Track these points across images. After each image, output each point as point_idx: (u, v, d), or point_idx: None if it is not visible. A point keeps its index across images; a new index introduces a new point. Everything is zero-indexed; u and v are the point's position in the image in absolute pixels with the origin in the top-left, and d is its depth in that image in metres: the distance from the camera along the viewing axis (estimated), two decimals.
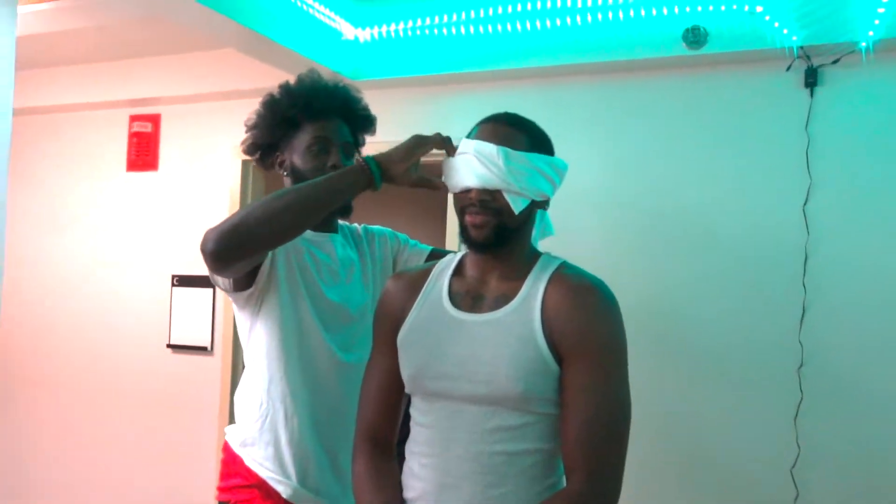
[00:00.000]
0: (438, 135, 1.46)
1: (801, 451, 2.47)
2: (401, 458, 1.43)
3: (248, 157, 2.03)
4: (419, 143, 1.45)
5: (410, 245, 1.88)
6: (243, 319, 1.68)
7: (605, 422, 1.24)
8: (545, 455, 1.30)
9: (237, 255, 1.43)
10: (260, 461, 1.62)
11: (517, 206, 1.30)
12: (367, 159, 1.44)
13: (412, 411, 1.40)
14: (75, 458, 3.66)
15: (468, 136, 1.37)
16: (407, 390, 1.40)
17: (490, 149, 1.29)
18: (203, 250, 1.41)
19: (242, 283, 1.58)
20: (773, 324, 2.55)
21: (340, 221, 1.82)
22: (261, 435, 1.62)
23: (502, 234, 1.31)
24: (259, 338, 1.65)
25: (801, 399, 2.49)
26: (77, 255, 3.73)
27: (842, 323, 2.47)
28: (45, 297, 3.78)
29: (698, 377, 2.64)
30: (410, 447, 1.39)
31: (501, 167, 1.27)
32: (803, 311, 2.50)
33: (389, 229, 1.91)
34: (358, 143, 1.83)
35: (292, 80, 1.78)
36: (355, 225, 1.88)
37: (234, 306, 1.69)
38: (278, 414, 1.62)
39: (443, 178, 1.40)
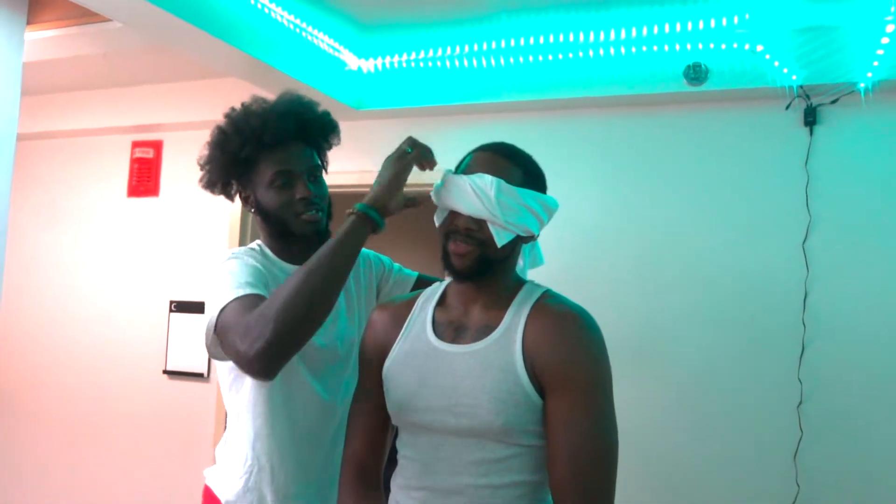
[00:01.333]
0: (410, 140, 1.42)
1: (801, 489, 2.45)
2: (388, 490, 1.41)
3: None
4: (401, 169, 1.39)
5: (395, 270, 1.79)
6: (226, 373, 1.57)
7: (591, 453, 1.21)
8: (531, 487, 1.28)
9: (285, 362, 1.32)
10: None
11: (500, 239, 1.29)
12: (362, 208, 1.35)
13: (398, 444, 1.39)
14: (69, 483, 3.62)
15: (463, 162, 1.37)
16: (393, 422, 1.39)
17: (485, 180, 1.28)
18: (253, 371, 1.30)
19: None
20: (772, 361, 2.54)
21: None
22: (244, 492, 1.53)
23: (484, 265, 1.30)
24: (244, 393, 1.54)
25: (801, 437, 2.47)
26: (76, 279, 3.72)
27: (842, 360, 2.47)
28: (42, 321, 3.76)
29: (697, 413, 2.63)
30: (397, 479, 1.37)
31: (492, 199, 1.27)
32: (803, 348, 2.50)
33: (373, 252, 1.79)
34: (324, 163, 1.69)
35: (238, 105, 1.64)
36: None
37: (222, 364, 1.56)
38: (264, 472, 1.52)
39: (432, 195, 1.38)
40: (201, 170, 1.63)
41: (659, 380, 2.66)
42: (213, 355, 1.45)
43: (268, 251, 1.60)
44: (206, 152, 1.62)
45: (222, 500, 1.55)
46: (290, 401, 1.52)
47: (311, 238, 1.55)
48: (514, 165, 1.32)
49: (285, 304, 1.27)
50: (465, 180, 1.30)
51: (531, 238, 1.37)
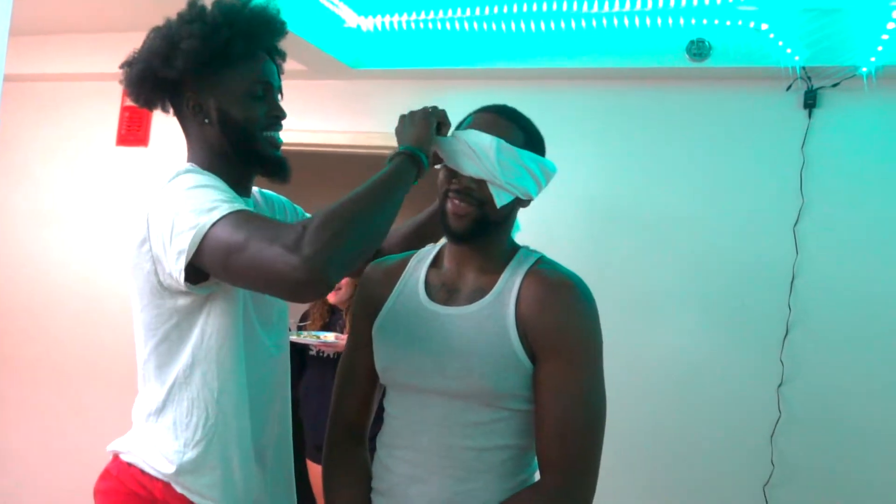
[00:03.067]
0: (435, 108, 1.35)
1: (776, 468, 2.48)
2: (374, 448, 1.42)
3: None
4: (430, 122, 1.31)
5: (300, 213, 1.61)
6: (163, 320, 1.29)
7: (579, 420, 1.22)
8: (517, 451, 1.28)
9: (343, 275, 1.16)
10: (202, 491, 1.29)
11: (500, 199, 1.27)
12: (408, 148, 1.26)
13: (385, 403, 1.39)
14: (60, 459, 3.61)
15: (464, 122, 1.35)
16: (381, 381, 1.39)
17: (484, 139, 1.26)
18: (310, 278, 1.07)
19: (197, 274, 1.20)
20: (755, 340, 2.56)
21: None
22: (205, 457, 1.29)
23: (482, 227, 1.29)
24: (206, 340, 1.29)
25: (780, 418, 2.50)
26: (63, 227, 3.67)
27: (824, 344, 2.49)
28: (25, 269, 3.72)
29: (680, 390, 2.65)
30: (382, 439, 1.38)
31: (492, 159, 1.25)
32: (787, 330, 2.52)
33: (284, 197, 1.60)
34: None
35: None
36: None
37: (157, 304, 1.28)
38: (230, 431, 1.30)
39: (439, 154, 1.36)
40: (143, 59, 1.33)
41: (643, 355, 2.68)
42: (172, 288, 1.22)
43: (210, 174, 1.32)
44: (158, 41, 1.32)
45: (161, 475, 1.30)
46: (249, 353, 1.33)
47: (268, 162, 1.38)
48: (515, 127, 1.31)
49: (342, 214, 1.11)
50: (465, 140, 1.28)
51: (528, 201, 1.36)
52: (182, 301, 1.26)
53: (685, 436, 2.63)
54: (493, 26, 2.78)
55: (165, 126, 3.51)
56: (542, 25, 2.71)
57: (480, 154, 1.26)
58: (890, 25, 2.30)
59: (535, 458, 1.28)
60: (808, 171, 2.53)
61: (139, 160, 3.53)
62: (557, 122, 2.82)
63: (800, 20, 2.45)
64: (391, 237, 1.62)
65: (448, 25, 2.85)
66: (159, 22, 1.37)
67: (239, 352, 1.31)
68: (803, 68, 2.48)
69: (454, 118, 1.37)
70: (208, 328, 1.28)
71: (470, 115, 1.35)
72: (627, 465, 2.61)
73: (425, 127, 1.30)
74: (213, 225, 1.13)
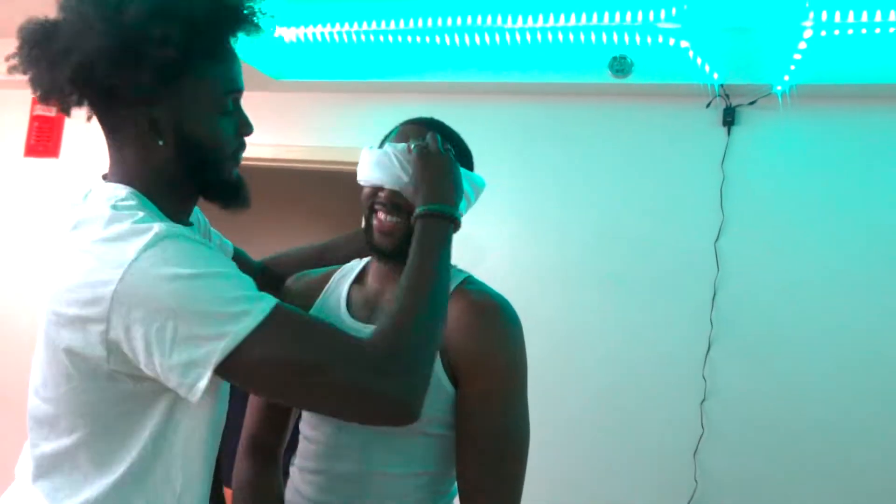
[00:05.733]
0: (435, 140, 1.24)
1: (699, 485, 2.47)
2: (287, 474, 1.35)
3: None
4: (454, 164, 1.21)
5: (229, 245, 1.41)
6: (129, 407, 0.99)
7: (502, 448, 1.17)
8: (433, 477, 1.22)
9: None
10: None
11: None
12: (446, 210, 1.14)
13: (301, 424, 1.33)
14: None
15: (390, 135, 1.29)
16: None
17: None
18: (401, 413, 0.97)
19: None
20: (678, 356, 2.56)
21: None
22: None
23: (409, 243, 1.20)
24: (170, 431, 1.01)
25: (703, 434, 2.50)
26: None
27: (746, 359, 2.50)
28: None
29: (600, 406, 2.62)
30: (297, 461, 1.31)
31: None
32: (709, 345, 2.52)
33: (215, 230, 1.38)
34: None
35: None
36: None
37: (100, 388, 0.97)
38: None
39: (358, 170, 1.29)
40: (83, 56, 0.97)
41: (567, 375, 2.65)
42: (132, 375, 0.95)
43: (151, 206, 1.04)
44: (103, 36, 0.97)
45: None
46: (215, 432, 1.10)
47: (228, 189, 1.13)
48: (442, 139, 1.24)
49: (418, 324, 1.00)
50: (389, 151, 1.21)
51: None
52: (141, 387, 0.97)
53: (607, 454, 2.60)
54: (418, 39, 2.75)
55: (79, 136, 3.36)
56: (467, 39, 2.69)
57: (406, 167, 1.19)
58: (802, 45, 2.35)
59: (455, 484, 1.22)
60: (728, 187, 2.56)
61: (49, 172, 3.36)
62: (477, 136, 2.76)
63: (719, 39, 2.48)
64: (290, 259, 1.49)
65: (372, 38, 2.80)
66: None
67: (209, 437, 1.06)
68: (722, 86, 2.52)
69: (379, 131, 1.32)
70: (176, 415, 1.00)
71: (396, 127, 1.30)
72: (546, 486, 2.57)
73: (451, 176, 1.18)
74: (251, 334, 0.90)
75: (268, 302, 0.94)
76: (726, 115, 2.56)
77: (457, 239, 1.17)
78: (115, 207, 0.98)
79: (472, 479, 1.17)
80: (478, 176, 1.30)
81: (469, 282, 1.27)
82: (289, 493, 1.31)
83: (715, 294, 2.53)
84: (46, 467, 1.02)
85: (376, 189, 1.23)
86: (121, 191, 1.02)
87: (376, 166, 1.23)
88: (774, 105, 2.48)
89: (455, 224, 1.16)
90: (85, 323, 0.93)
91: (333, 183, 3.65)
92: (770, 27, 2.42)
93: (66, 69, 0.99)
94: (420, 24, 2.72)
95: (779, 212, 2.53)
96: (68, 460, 1.01)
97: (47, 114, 3.32)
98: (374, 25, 2.79)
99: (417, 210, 1.14)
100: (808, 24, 2.30)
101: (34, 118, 3.38)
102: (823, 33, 2.32)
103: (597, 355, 2.64)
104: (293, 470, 1.32)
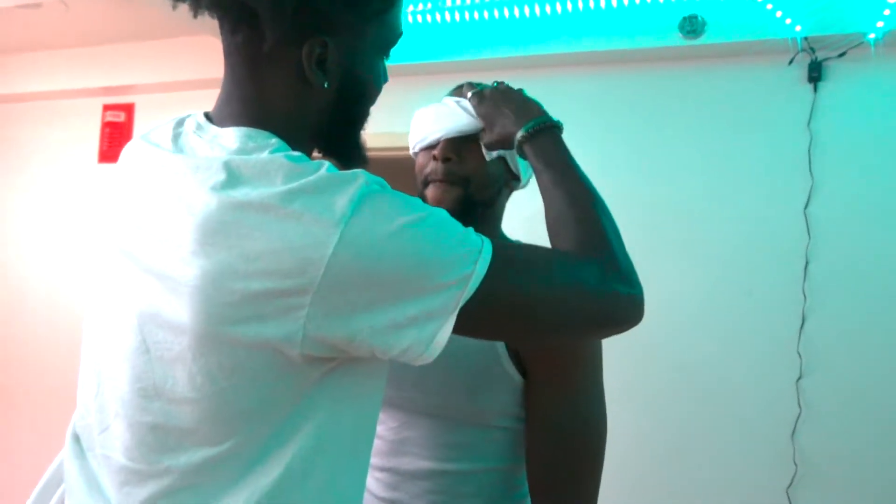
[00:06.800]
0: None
1: (798, 468, 2.31)
2: None
3: None
4: (519, 92, 1.19)
5: None
6: (297, 402, 0.81)
7: (576, 442, 1.08)
8: (504, 474, 1.15)
9: None
10: None
11: (489, 155, 1.14)
12: (549, 120, 1.14)
13: None
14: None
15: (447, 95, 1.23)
16: None
17: (466, 98, 1.15)
18: (639, 314, 0.99)
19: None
20: (770, 333, 2.39)
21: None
22: None
23: (466, 208, 1.13)
24: (334, 423, 0.84)
25: (800, 413, 2.33)
26: (46, 249, 3.58)
27: (844, 333, 2.32)
28: (8, 291, 3.63)
29: (689, 388, 2.49)
30: None
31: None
32: (803, 320, 2.35)
33: None
34: None
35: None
36: None
37: (269, 386, 0.79)
38: None
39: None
40: None
41: (652, 355, 2.52)
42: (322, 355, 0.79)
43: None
44: None
45: None
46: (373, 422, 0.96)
47: (357, 148, 0.99)
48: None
49: (607, 229, 1.01)
50: (443, 101, 1.16)
51: (517, 179, 1.22)
52: (318, 371, 0.80)
53: (698, 439, 2.46)
54: (476, 15, 2.66)
55: None
56: (527, 10, 2.58)
57: (462, 110, 1.14)
58: None
59: (526, 481, 1.13)
60: (817, 149, 2.37)
61: None
62: (549, 109, 2.69)
63: None
64: None
65: (438, 17, 2.72)
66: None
67: (372, 428, 0.91)
68: (805, 39, 2.33)
69: None
70: (342, 406, 0.84)
71: (453, 89, 1.23)
72: (635, 469, 2.45)
73: (525, 97, 1.17)
74: (489, 271, 0.80)
75: (482, 236, 0.84)
76: (812, 71, 2.36)
77: (527, 212, 1.09)
78: (290, 158, 0.78)
79: (543, 478, 1.08)
80: None
81: None
82: None
83: (807, 264, 2.36)
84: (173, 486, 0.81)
85: (427, 158, 1.16)
86: (270, 137, 0.83)
87: (436, 120, 1.16)
88: (867, 56, 2.27)
89: (560, 129, 1.11)
90: (278, 297, 0.74)
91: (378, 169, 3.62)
92: None
93: None
94: None
95: (874, 173, 2.32)
96: (209, 473, 0.80)
97: (116, 119, 3.40)
98: (428, 5, 2.71)
99: (520, 133, 1.07)
100: None
101: (105, 125, 3.48)
102: None
103: (681, 334, 2.50)
104: None
